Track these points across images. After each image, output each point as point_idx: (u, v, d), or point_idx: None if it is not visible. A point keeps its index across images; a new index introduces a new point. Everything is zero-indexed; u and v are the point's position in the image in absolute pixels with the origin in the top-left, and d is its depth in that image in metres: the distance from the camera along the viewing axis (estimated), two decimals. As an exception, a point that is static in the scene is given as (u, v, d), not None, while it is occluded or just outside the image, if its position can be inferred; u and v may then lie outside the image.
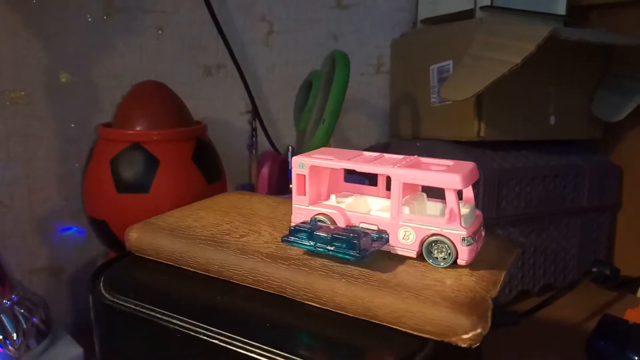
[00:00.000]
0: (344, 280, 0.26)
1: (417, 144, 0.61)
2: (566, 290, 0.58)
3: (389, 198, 0.28)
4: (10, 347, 0.40)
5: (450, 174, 0.26)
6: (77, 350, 0.43)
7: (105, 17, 0.54)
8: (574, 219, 0.64)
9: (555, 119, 0.63)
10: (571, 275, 0.65)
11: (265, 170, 0.58)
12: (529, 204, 0.59)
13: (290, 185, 0.58)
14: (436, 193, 0.29)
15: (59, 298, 0.54)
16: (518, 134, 0.61)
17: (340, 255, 0.26)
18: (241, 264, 0.30)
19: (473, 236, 0.26)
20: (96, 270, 0.34)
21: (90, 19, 0.53)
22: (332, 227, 0.29)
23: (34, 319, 0.42)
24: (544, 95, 0.62)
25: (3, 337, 0.40)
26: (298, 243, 0.28)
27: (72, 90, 0.53)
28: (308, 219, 0.30)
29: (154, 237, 0.35)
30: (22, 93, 0.51)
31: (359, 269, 0.27)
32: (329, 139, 0.52)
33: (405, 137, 0.70)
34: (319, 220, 0.30)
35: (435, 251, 0.27)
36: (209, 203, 0.42)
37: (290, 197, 0.32)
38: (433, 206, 0.31)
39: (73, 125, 0.53)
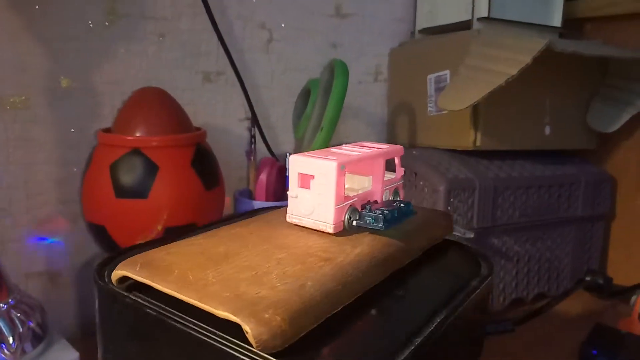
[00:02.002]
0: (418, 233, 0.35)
1: (414, 152, 0.62)
2: (560, 299, 0.58)
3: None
4: (5, 351, 0.40)
5: (397, 147, 0.37)
6: (73, 355, 0.43)
7: (106, 23, 0.54)
8: (568, 228, 0.64)
9: (550, 129, 0.63)
10: (565, 284, 0.65)
11: (263, 177, 0.58)
12: (524, 213, 0.60)
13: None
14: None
15: (55, 302, 0.54)
16: (514, 144, 0.62)
17: (406, 218, 0.33)
18: (373, 265, 0.30)
19: None
20: (102, 262, 0.31)
21: (91, 25, 0.53)
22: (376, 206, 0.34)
23: (30, 323, 0.42)
24: (539, 105, 0.62)
25: (-1, 341, 0.40)
26: (392, 224, 0.32)
27: (73, 95, 0.53)
28: (343, 213, 0.32)
29: (310, 310, 0.24)
30: (23, 97, 0.51)
31: (399, 225, 0.33)
32: (327, 146, 0.52)
33: (402, 146, 0.70)
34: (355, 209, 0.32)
35: (393, 196, 0.37)
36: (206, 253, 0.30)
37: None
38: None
39: (73, 130, 0.54)
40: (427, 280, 0.34)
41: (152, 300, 0.26)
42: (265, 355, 0.22)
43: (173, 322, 0.25)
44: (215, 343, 0.23)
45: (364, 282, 0.29)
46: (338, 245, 0.31)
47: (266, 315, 0.23)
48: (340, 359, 0.24)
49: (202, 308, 0.24)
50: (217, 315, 0.23)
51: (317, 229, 0.32)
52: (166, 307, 0.26)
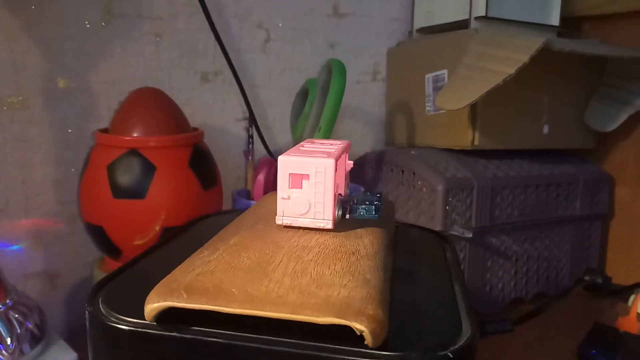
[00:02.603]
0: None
1: (412, 151, 0.62)
2: (558, 298, 0.58)
3: None
4: (4, 352, 0.40)
5: (347, 141, 0.38)
6: (71, 356, 0.43)
7: (103, 23, 0.54)
8: (567, 228, 0.64)
9: (548, 128, 0.63)
10: (563, 283, 0.65)
11: (261, 177, 0.58)
12: (522, 212, 0.60)
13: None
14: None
15: (53, 303, 0.54)
16: (512, 143, 0.62)
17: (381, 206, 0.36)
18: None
19: None
20: (94, 288, 0.29)
21: (88, 25, 0.53)
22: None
23: (28, 324, 0.42)
24: (537, 104, 0.62)
25: (-3, 342, 0.40)
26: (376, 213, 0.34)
27: (70, 95, 0.53)
28: (335, 208, 0.33)
29: (385, 300, 0.26)
30: (20, 98, 0.51)
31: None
32: (325, 146, 0.52)
33: (400, 145, 0.70)
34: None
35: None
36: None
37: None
38: None
39: (70, 131, 0.54)
40: (410, 256, 0.36)
41: (213, 330, 0.24)
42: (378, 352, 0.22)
43: (267, 346, 0.23)
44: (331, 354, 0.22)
45: (390, 267, 0.31)
46: (346, 239, 0.31)
47: (371, 312, 0.22)
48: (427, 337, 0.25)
49: (297, 320, 0.23)
50: (319, 323, 0.23)
51: (315, 227, 0.32)
52: (241, 333, 0.24)
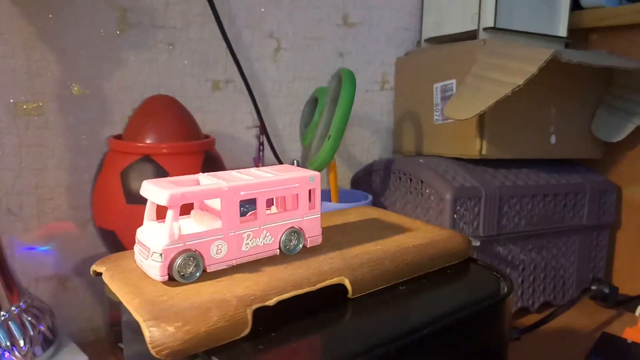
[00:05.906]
0: None
1: (420, 160, 0.62)
2: (565, 308, 0.58)
3: None
4: (16, 354, 0.41)
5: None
6: (82, 358, 0.44)
7: (118, 32, 0.55)
8: (574, 237, 0.65)
9: (555, 138, 0.64)
10: (570, 293, 0.65)
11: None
12: (530, 221, 0.60)
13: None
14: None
15: (64, 306, 0.55)
16: (519, 153, 0.62)
17: None
18: None
19: None
20: None
21: (103, 33, 0.54)
22: None
23: (41, 327, 0.43)
24: (545, 115, 0.63)
25: (10, 344, 0.40)
26: None
27: (84, 102, 0.54)
28: None
29: None
30: (35, 104, 0.52)
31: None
32: (334, 154, 0.53)
33: (408, 154, 0.71)
34: None
35: None
36: None
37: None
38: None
39: (84, 137, 0.54)
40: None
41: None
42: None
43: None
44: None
45: None
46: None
47: None
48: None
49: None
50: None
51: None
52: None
